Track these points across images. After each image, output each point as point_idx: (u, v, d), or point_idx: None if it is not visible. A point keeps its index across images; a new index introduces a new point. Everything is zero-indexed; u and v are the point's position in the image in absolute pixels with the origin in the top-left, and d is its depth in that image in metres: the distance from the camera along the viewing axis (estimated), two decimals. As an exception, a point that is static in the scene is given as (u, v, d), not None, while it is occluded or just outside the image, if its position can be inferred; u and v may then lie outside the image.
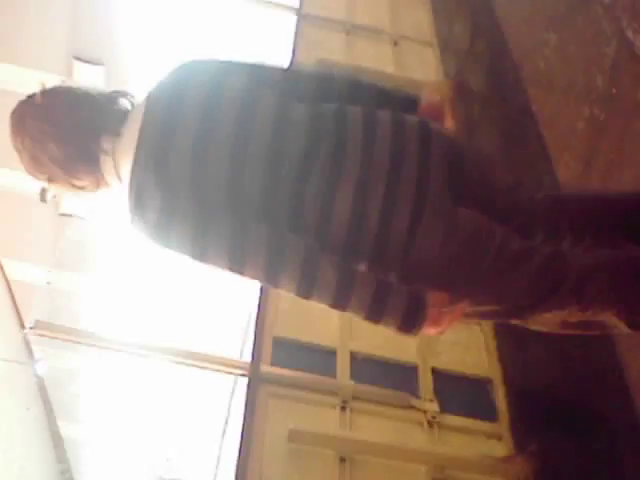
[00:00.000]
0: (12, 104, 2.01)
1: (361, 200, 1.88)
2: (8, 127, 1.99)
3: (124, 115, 2.00)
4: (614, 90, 3.43)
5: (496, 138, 5.04)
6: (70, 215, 7.40)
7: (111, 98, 2.04)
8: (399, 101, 2.17)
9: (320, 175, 1.88)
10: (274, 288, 1.95)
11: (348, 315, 2.00)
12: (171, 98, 1.94)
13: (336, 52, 5.98)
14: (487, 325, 4.35)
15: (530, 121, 4.27)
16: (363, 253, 1.92)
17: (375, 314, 1.92)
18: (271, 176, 1.88)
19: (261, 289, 4.32)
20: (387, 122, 1.98)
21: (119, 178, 1.97)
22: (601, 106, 3.51)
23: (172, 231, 1.88)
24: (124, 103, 2.04)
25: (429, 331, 1.96)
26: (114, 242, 8.48)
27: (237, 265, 1.88)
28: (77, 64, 7.41)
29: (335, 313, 2.01)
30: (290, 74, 2.17)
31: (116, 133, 1.96)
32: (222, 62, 2.05)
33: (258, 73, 2.06)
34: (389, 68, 5.97)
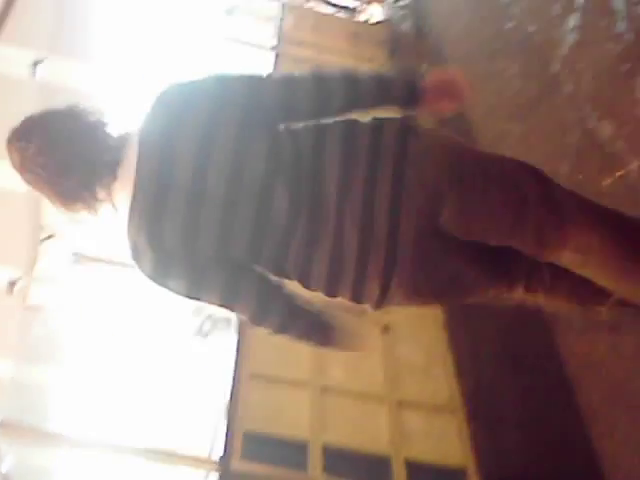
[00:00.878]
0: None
1: (338, 261, 1.96)
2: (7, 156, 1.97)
3: (115, 161, 1.94)
4: (580, 176, 3.48)
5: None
6: (38, 307, 7.32)
7: (100, 137, 1.99)
8: (400, 93, 2.06)
9: (300, 237, 1.93)
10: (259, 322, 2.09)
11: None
12: (162, 149, 1.90)
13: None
14: (460, 412, 4.34)
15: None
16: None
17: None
18: (257, 240, 1.93)
19: (232, 383, 4.31)
20: (360, 180, 1.92)
21: (117, 215, 1.97)
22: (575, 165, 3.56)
23: (167, 282, 1.97)
24: (114, 139, 1.99)
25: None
26: (82, 334, 8.36)
27: (228, 305, 2.05)
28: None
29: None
30: (285, 95, 2.00)
31: (109, 182, 1.95)
32: (213, 95, 1.95)
33: (251, 107, 1.96)
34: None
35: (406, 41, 7.77)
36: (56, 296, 6.86)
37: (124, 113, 2.10)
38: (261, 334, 3.99)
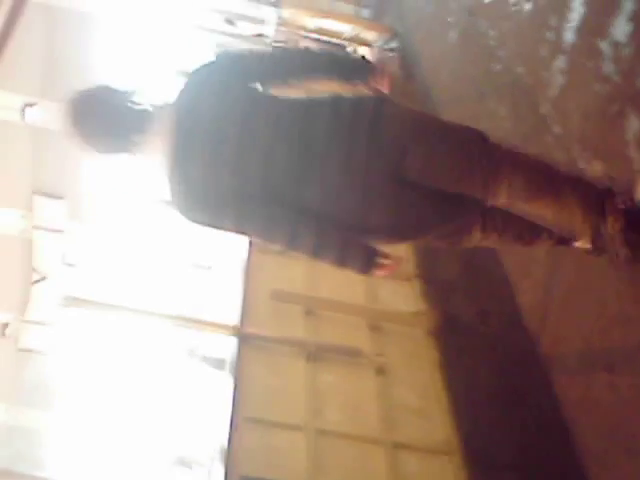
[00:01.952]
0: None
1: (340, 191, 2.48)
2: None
3: (149, 117, 2.58)
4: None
5: (456, 266, 5.11)
6: (30, 350, 7.28)
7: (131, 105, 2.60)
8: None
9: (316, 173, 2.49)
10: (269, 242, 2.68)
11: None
12: (193, 111, 2.53)
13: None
14: (456, 454, 4.33)
15: (490, 250, 4.35)
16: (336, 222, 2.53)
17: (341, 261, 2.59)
18: (269, 179, 2.51)
19: (229, 427, 4.30)
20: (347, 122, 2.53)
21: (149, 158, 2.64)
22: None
23: (194, 213, 2.56)
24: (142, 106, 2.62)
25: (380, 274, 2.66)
26: (76, 378, 8.31)
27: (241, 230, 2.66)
28: (37, 198, 7.45)
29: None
30: (275, 61, 2.75)
31: (145, 133, 2.56)
32: (224, 72, 2.62)
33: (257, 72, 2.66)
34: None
35: (395, 83, 7.83)
36: (48, 339, 6.84)
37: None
38: (256, 376, 4.01)
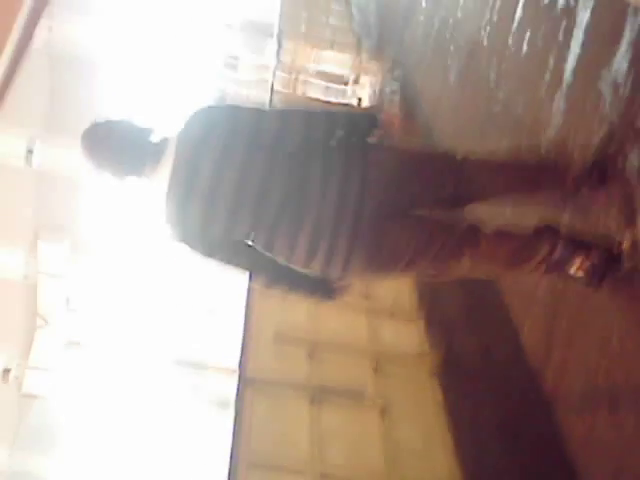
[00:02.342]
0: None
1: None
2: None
3: (157, 152, 2.84)
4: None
5: (458, 306, 5.10)
6: (33, 396, 7.27)
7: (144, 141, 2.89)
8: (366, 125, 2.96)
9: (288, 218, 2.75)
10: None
11: None
12: (193, 151, 2.78)
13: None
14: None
15: (492, 289, 4.34)
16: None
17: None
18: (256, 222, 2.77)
19: (230, 472, 4.27)
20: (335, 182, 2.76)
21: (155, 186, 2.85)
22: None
23: (189, 240, 2.86)
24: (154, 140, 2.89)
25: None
26: (79, 422, 8.28)
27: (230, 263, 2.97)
28: (40, 244, 7.48)
29: None
30: (280, 126, 2.86)
31: (154, 165, 2.84)
32: (228, 121, 2.84)
33: (255, 132, 2.81)
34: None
35: (399, 122, 7.87)
36: (51, 384, 6.82)
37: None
38: (259, 419, 3.99)
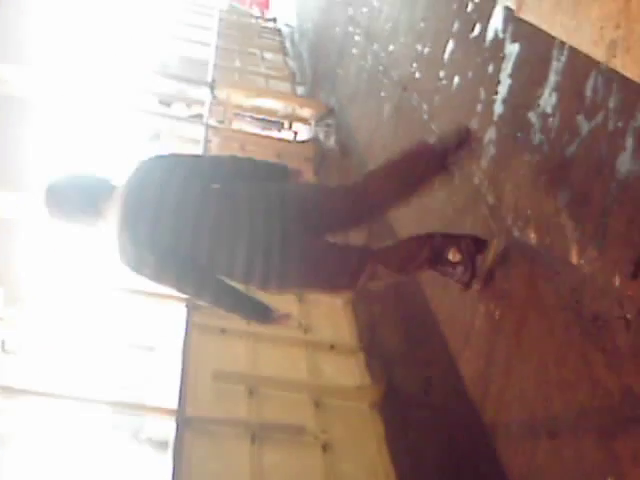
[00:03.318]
0: None
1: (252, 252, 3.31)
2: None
3: (107, 196, 3.35)
4: (506, 286, 3.54)
5: (398, 337, 5.11)
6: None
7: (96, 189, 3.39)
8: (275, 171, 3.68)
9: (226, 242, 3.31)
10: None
11: None
12: (136, 195, 3.27)
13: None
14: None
15: (430, 320, 4.36)
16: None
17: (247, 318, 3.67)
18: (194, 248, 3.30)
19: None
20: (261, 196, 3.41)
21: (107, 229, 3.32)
22: (496, 304, 3.61)
23: (143, 270, 3.31)
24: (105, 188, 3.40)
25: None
26: (16, 470, 8.07)
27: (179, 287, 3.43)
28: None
29: None
30: (213, 164, 3.60)
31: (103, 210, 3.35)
32: (168, 163, 3.41)
33: (192, 170, 3.40)
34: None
35: (331, 158, 7.92)
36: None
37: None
38: (198, 460, 3.93)
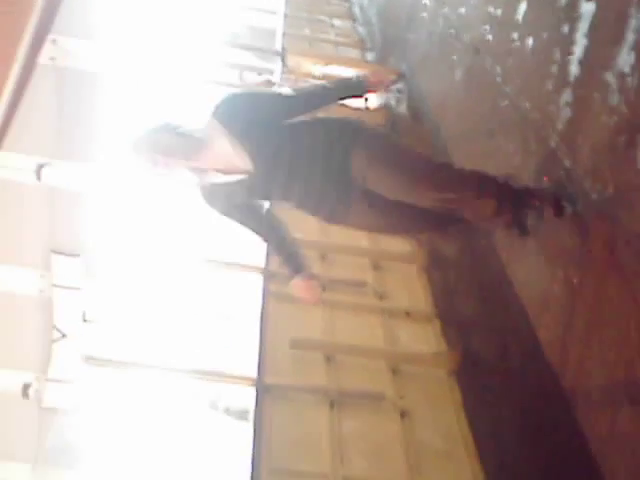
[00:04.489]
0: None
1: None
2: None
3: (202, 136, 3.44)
4: (585, 249, 3.49)
5: (474, 303, 5.08)
6: (53, 409, 7.28)
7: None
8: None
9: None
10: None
11: None
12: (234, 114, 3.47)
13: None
14: None
15: (507, 286, 4.32)
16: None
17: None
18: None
19: (251, 477, 4.25)
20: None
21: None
22: (575, 268, 3.56)
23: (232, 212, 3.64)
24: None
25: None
26: (100, 437, 8.29)
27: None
28: (54, 257, 7.50)
29: None
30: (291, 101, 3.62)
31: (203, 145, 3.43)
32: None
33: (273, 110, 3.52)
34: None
35: (403, 124, 7.87)
36: (71, 398, 6.83)
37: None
38: (278, 426, 4.00)
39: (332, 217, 3.65)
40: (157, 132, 3.40)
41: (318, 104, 3.60)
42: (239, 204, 3.59)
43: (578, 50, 3.91)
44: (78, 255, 7.69)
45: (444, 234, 4.23)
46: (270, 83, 9.38)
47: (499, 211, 3.43)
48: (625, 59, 3.38)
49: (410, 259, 6.14)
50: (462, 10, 6.37)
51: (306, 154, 3.45)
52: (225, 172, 3.44)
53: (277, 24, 10.78)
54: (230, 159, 3.42)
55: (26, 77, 5.89)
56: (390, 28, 9.79)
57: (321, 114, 3.64)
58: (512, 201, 3.47)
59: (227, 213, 3.63)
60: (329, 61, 9.29)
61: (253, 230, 3.71)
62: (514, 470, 4.06)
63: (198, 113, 3.66)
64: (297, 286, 3.62)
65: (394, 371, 5.03)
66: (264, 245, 4.20)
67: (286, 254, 3.67)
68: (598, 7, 3.77)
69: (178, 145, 3.38)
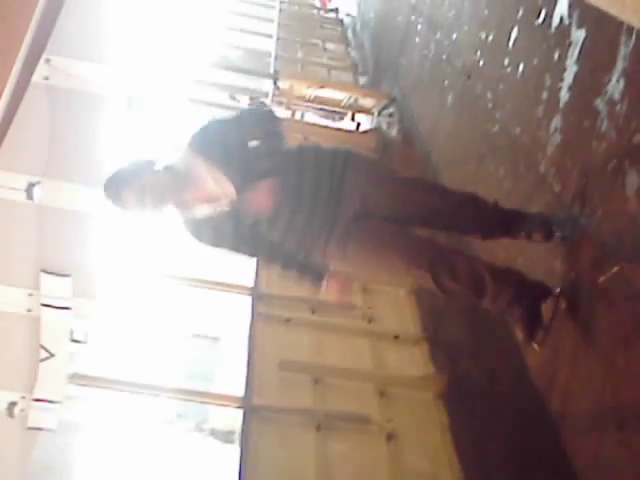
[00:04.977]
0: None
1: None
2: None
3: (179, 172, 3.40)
4: (573, 273, 3.50)
5: (462, 327, 5.08)
6: (39, 429, 7.23)
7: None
8: None
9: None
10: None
11: None
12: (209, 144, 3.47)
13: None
14: None
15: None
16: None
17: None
18: None
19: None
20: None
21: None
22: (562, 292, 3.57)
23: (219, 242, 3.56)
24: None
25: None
26: (85, 456, 8.25)
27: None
28: (44, 276, 7.48)
29: None
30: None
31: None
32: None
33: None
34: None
35: (394, 148, 7.90)
36: (57, 418, 6.78)
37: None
38: (265, 448, 3.98)
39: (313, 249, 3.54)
40: (140, 175, 3.35)
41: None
42: (228, 233, 3.51)
43: (568, 76, 3.94)
44: (68, 275, 7.67)
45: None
46: (262, 104, 9.41)
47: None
48: (615, 86, 3.41)
49: (399, 283, 6.14)
50: (454, 36, 6.42)
51: (296, 183, 3.40)
52: (210, 202, 3.38)
53: (270, 47, 10.83)
54: (213, 188, 3.35)
55: (19, 95, 5.90)
56: (383, 52, 9.85)
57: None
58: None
59: (217, 244, 3.57)
60: (321, 84, 9.33)
61: (250, 254, 3.73)
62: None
63: (177, 141, 3.61)
64: (332, 290, 3.60)
65: (381, 394, 5.02)
66: (253, 266, 4.15)
67: (298, 266, 3.61)
68: (589, 34, 3.81)
69: (164, 183, 3.34)
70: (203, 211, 3.40)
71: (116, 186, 3.33)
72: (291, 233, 3.46)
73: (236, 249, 3.61)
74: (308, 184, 3.39)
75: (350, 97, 9.25)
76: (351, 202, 3.42)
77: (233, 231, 3.50)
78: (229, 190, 3.34)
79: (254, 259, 3.90)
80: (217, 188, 3.33)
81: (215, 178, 3.32)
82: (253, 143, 3.48)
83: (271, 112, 3.73)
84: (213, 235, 3.50)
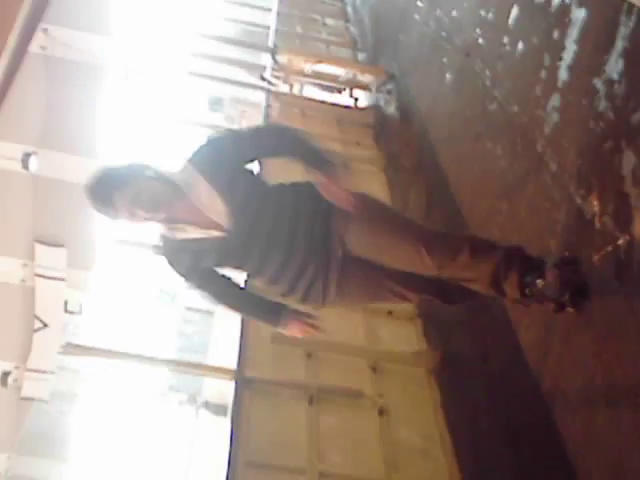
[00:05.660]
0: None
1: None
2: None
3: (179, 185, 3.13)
4: (566, 253, 3.51)
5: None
6: (32, 399, 7.27)
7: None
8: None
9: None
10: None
11: None
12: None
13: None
14: None
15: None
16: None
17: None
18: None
19: (228, 472, 4.25)
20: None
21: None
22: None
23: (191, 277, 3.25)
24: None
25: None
26: (78, 425, 8.29)
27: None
28: (38, 247, 7.48)
29: None
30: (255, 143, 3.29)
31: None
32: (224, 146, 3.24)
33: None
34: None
35: (392, 125, 7.89)
36: (50, 387, 6.81)
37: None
38: (257, 420, 4.01)
39: (309, 295, 3.32)
40: (136, 178, 3.04)
41: (279, 151, 3.27)
42: (203, 268, 3.21)
43: (567, 56, 3.93)
44: (62, 245, 7.67)
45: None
46: (264, 79, 9.37)
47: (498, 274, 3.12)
48: (613, 66, 3.41)
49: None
50: (454, 13, 6.40)
51: (290, 217, 3.16)
52: (200, 226, 3.12)
53: (270, 21, 10.79)
54: (207, 211, 3.11)
55: (16, 65, 5.88)
56: (382, 29, 9.81)
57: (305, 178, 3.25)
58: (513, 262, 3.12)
59: (187, 275, 3.25)
60: (320, 60, 9.30)
61: (213, 295, 3.36)
62: (491, 469, 4.08)
63: (178, 154, 3.33)
64: (291, 330, 3.40)
65: (374, 369, 5.05)
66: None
67: (260, 311, 3.46)
68: (589, 14, 3.80)
69: (161, 193, 3.05)
70: (188, 234, 3.14)
71: (108, 187, 2.99)
72: (283, 277, 3.24)
73: (202, 287, 3.32)
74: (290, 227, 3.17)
75: (348, 73, 9.22)
76: (336, 245, 3.19)
77: (208, 268, 3.25)
78: (223, 218, 3.10)
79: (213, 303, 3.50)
80: (213, 212, 3.11)
81: (212, 200, 3.09)
82: (252, 166, 3.26)
83: (282, 129, 3.44)
84: (189, 264, 3.19)
